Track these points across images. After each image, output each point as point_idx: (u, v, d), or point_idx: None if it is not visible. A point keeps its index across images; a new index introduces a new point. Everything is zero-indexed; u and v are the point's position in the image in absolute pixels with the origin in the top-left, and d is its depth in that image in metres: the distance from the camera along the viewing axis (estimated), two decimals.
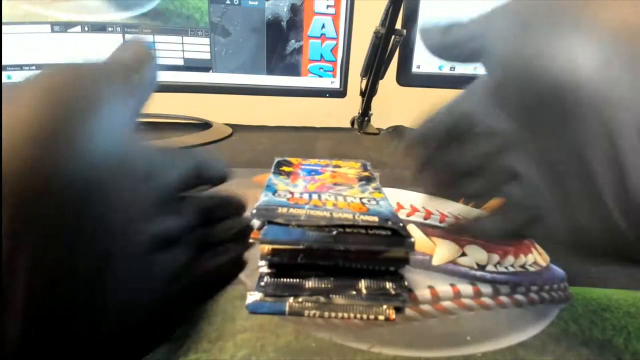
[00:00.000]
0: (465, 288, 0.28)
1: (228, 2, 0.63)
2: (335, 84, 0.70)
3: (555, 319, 0.25)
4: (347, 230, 0.24)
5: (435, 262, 0.31)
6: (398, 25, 0.65)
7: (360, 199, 0.27)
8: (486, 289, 0.28)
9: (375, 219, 0.24)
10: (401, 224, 0.24)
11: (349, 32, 0.67)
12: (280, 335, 0.23)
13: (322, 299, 0.24)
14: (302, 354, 0.22)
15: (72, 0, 0.60)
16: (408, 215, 0.38)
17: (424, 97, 1.13)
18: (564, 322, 0.25)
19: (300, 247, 0.23)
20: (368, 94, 0.72)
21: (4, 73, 0.61)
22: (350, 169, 0.36)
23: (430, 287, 0.28)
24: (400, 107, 0.98)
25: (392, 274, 0.25)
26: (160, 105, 0.76)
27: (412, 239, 0.24)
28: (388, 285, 0.25)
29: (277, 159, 0.37)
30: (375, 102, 0.74)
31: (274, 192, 0.28)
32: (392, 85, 0.71)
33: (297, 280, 0.25)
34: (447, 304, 0.26)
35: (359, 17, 0.67)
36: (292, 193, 0.28)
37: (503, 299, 0.27)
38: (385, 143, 0.70)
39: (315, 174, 0.34)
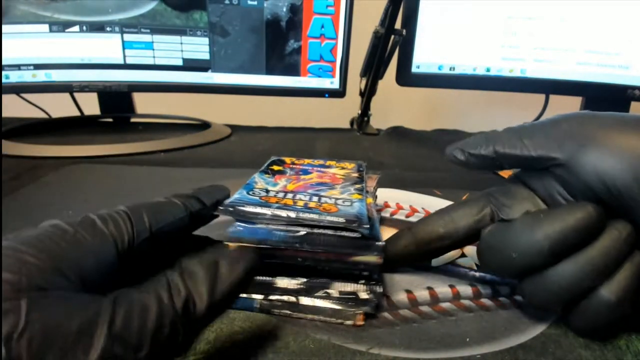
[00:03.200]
0: (465, 289, 0.28)
1: (227, 1, 0.63)
2: (335, 84, 0.70)
3: (555, 319, 0.25)
4: (315, 231, 0.23)
5: (434, 263, 0.30)
6: (397, 25, 0.65)
7: (336, 199, 0.27)
8: (486, 290, 0.28)
9: (342, 219, 0.23)
10: (367, 227, 0.23)
11: (348, 32, 0.67)
12: (278, 337, 0.23)
13: (292, 298, 0.24)
14: (300, 355, 0.22)
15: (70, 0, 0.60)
16: (407, 216, 0.38)
17: (423, 97, 1.14)
18: (564, 322, 0.25)
19: (266, 246, 0.23)
20: (367, 94, 0.72)
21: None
22: (342, 169, 0.35)
23: (430, 288, 0.28)
24: (400, 107, 0.98)
25: (367, 277, 0.25)
26: (159, 105, 0.76)
27: (381, 243, 0.23)
28: (361, 289, 0.24)
29: (272, 158, 0.37)
30: (374, 102, 0.74)
31: (250, 190, 0.28)
32: (391, 85, 0.71)
33: (269, 278, 0.25)
34: (446, 305, 0.26)
35: (359, 17, 0.67)
36: (267, 192, 0.28)
37: (503, 300, 0.27)
38: (384, 143, 0.70)
39: (302, 173, 0.33)
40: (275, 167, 0.34)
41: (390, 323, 0.24)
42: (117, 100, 0.72)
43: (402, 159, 0.60)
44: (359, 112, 0.76)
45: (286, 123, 0.78)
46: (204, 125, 0.73)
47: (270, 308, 0.24)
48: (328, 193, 0.28)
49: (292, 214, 0.24)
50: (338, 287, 0.24)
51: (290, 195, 0.27)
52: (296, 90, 0.70)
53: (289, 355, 0.22)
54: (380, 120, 0.79)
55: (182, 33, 0.64)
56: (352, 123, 0.80)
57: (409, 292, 0.27)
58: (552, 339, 0.24)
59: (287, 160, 0.37)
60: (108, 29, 0.62)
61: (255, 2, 0.64)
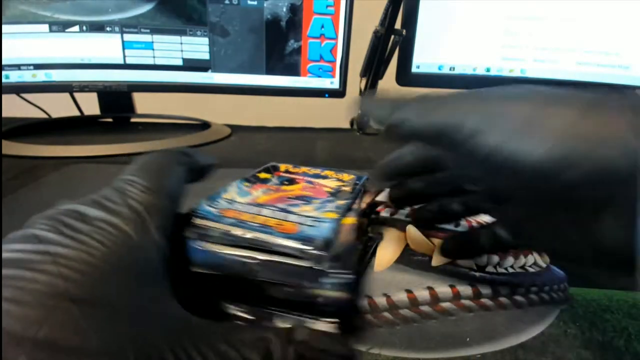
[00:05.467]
0: (465, 289, 0.28)
1: (227, 1, 0.63)
2: (335, 84, 0.70)
3: (555, 320, 0.25)
4: (272, 258, 0.20)
5: (435, 262, 0.30)
6: (397, 25, 0.65)
7: (306, 217, 0.24)
8: (486, 290, 0.28)
9: (292, 243, 0.20)
10: (320, 253, 0.20)
11: (348, 32, 0.67)
12: None
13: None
14: None
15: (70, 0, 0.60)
16: (408, 216, 0.38)
17: None
18: (563, 323, 0.25)
19: (218, 273, 0.20)
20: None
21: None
22: (337, 180, 0.32)
23: (430, 288, 0.28)
24: None
25: (333, 314, 0.21)
26: (159, 105, 0.76)
27: (348, 277, 0.20)
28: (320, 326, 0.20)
29: (270, 163, 0.34)
30: None
31: (214, 200, 0.25)
32: (391, 85, 0.71)
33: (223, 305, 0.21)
34: (446, 305, 0.26)
35: (359, 17, 0.67)
36: (231, 203, 0.25)
37: (503, 300, 0.27)
38: (384, 143, 0.70)
39: (288, 183, 0.30)
40: (262, 175, 0.31)
41: (390, 323, 0.24)
42: (117, 100, 0.72)
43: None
44: (359, 112, 0.76)
45: (286, 123, 0.78)
46: (204, 125, 0.73)
47: None
48: (300, 209, 0.25)
49: (244, 233, 0.21)
50: (288, 322, 0.21)
51: (255, 209, 0.24)
52: (296, 90, 0.70)
53: None
54: None
55: (182, 33, 0.64)
56: (352, 123, 0.80)
57: (409, 292, 0.27)
58: (552, 338, 0.24)
59: (282, 167, 0.34)
60: (108, 29, 0.62)
61: (255, 2, 0.64)
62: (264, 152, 0.61)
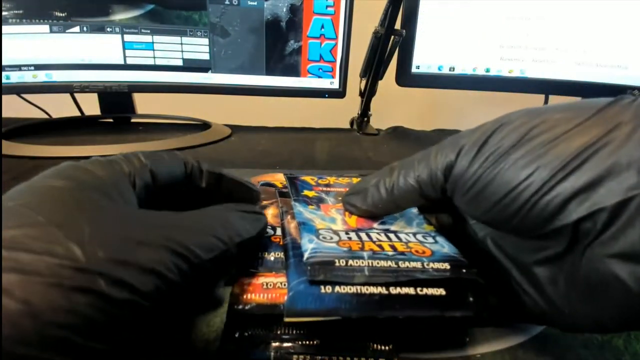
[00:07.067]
0: None
1: (227, 2, 0.63)
2: (335, 84, 0.70)
3: None
4: (393, 292, 0.18)
5: None
6: (397, 26, 0.65)
7: (414, 234, 0.22)
8: None
9: (447, 266, 0.19)
10: (473, 273, 0.19)
11: (348, 32, 0.67)
12: None
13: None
14: None
15: None
16: None
17: (423, 97, 1.13)
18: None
19: (335, 318, 0.17)
20: (367, 95, 0.72)
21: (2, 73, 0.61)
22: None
23: None
24: (400, 107, 0.98)
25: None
26: (159, 105, 0.76)
27: (471, 299, 0.19)
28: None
29: (286, 176, 0.30)
30: (374, 102, 0.74)
31: (315, 232, 0.21)
32: (391, 85, 0.71)
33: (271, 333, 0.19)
34: None
35: (359, 18, 0.67)
36: (337, 233, 0.21)
37: None
38: (384, 143, 0.70)
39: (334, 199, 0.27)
40: (309, 193, 0.27)
41: None
42: (117, 101, 0.72)
43: (402, 159, 0.60)
44: (359, 112, 0.76)
45: (286, 123, 0.78)
46: (204, 125, 0.73)
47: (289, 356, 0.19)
48: (396, 227, 0.23)
49: (392, 264, 0.19)
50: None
51: (364, 236, 0.21)
52: (296, 90, 0.70)
53: None
54: (380, 120, 0.79)
55: (183, 34, 0.64)
56: (352, 123, 0.80)
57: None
58: (552, 338, 0.24)
59: (309, 179, 0.30)
60: (108, 29, 0.62)
61: (255, 3, 0.64)
62: (264, 152, 0.61)
